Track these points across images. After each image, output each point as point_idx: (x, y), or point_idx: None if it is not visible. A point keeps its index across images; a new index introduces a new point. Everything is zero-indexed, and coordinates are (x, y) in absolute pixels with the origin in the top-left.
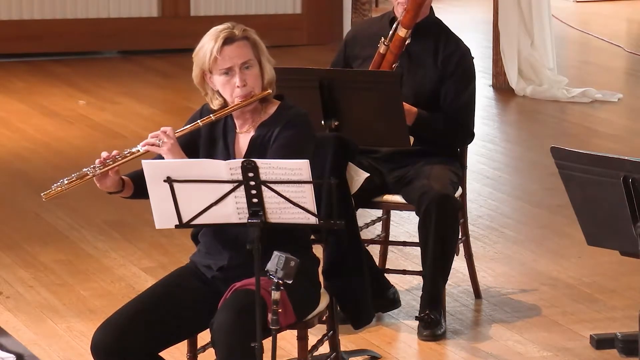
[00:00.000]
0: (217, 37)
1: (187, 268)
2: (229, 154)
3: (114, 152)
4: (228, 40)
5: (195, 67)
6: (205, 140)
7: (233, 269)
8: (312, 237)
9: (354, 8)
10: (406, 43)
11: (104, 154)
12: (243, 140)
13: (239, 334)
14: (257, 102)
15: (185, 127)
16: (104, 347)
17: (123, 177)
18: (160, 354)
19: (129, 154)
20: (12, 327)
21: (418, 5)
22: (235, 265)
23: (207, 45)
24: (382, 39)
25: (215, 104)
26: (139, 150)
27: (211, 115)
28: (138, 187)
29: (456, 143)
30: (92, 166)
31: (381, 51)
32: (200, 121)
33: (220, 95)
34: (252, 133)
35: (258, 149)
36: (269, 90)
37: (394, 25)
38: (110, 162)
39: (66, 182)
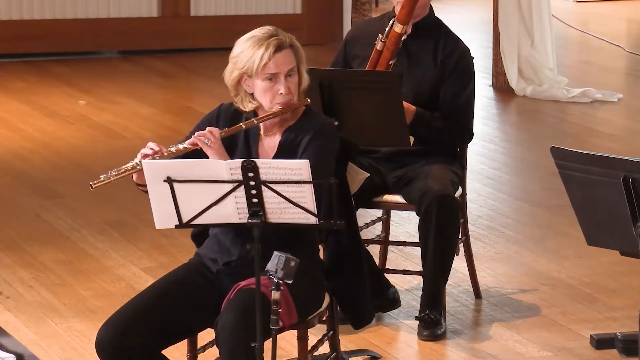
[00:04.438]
0: (267, 43)
1: (190, 265)
2: (250, 157)
3: (163, 148)
4: (279, 47)
5: (235, 69)
6: (224, 140)
7: (240, 267)
8: None
9: (354, 8)
10: (402, 39)
11: (153, 146)
12: (268, 143)
13: (243, 333)
14: None
15: (229, 129)
16: (108, 345)
17: None
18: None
19: (175, 150)
20: (12, 327)
21: (413, 1)
22: (243, 264)
23: (253, 50)
24: (379, 35)
25: (248, 107)
26: (186, 147)
27: (254, 119)
28: None
29: (455, 142)
30: (137, 160)
31: (378, 47)
32: (244, 124)
33: (254, 99)
34: (277, 136)
35: (286, 152)
36: (308, 100)
37: (390, 22)
38: (158, 157)
39: (114, 173)
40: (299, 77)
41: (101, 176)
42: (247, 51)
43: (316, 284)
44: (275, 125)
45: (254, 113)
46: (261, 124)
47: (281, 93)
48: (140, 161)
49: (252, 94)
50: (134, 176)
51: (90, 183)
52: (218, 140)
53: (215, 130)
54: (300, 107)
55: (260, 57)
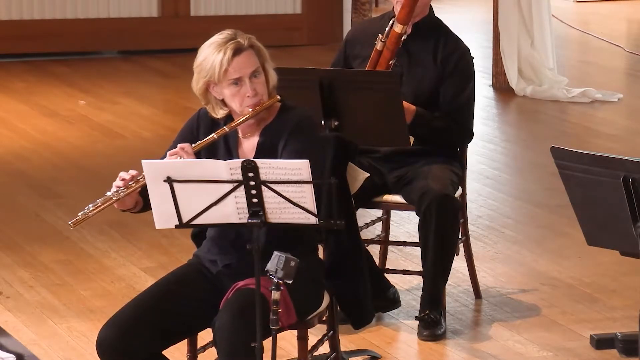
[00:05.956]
0: (224, 48)
1: (190, 265)
2: (232, 159)
3: (134, 172)
4: (237, 51)
5: (200, 78)
6: (204, 147)
7: (240, 268)
8: None
9: (354, 8)
10: (402, 39)
11: (125, 175)
12: (247, 145)
13: (241, 333)
14: None
15: (201, 142)
16: (110, 346)
17: None
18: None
19: None
20: (12, 327)
21: (413, 1)
22: (243, 265)
23: (213, 57)
24: (379, 35)
25: (219, 114)
26: None
27: (225, 127)
28: (147, 200)
29: (455, 142)
30: (114, 190)
31: (378, 48)
32: (216, 134)
33: (225, 105)
34: (256, 137)
35: (265, 153)
36: (277, 97)
37: (390, 22)
38: (133, 184)
39: (92, 207)
40: (265, 76)
41: (79, 214)
42: (208, 58)
43: (316, 284)
44: (253, 126)
45: (229, 117)
46: (238, 127)
47: (248, 96)
48: (116, 192)
49: (222, 100)
50: (115, 205)
51: (69, 222)
52: (191, 155)
53: (187, 145)
54: (275, 105)
55: (220, 63)
